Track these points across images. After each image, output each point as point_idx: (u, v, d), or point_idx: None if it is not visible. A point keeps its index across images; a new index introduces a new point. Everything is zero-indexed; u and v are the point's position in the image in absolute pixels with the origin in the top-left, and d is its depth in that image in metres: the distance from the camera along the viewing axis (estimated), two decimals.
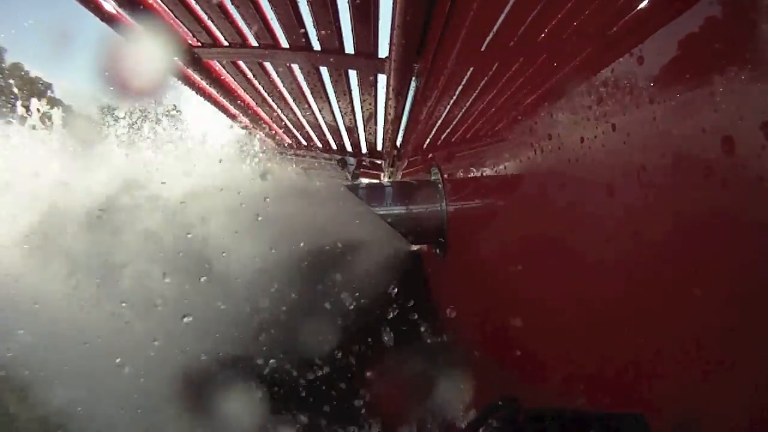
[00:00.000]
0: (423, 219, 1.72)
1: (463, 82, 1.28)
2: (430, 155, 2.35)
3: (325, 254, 1.90)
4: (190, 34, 2.05)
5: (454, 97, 1.43)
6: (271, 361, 1.81)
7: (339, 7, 1.59)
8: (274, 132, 3.82)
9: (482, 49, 0.99)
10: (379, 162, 4.04)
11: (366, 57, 1.90)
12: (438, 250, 1.79)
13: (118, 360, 1.65)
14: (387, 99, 1.97)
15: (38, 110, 2.12)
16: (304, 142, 4.07)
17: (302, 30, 1.80)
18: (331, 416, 1.73)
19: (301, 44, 1.93)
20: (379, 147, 3.67)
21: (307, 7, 1.59)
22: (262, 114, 3.33)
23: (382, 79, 2.11)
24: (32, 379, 1.66)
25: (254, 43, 2.03)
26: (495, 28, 0.86)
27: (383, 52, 1.84)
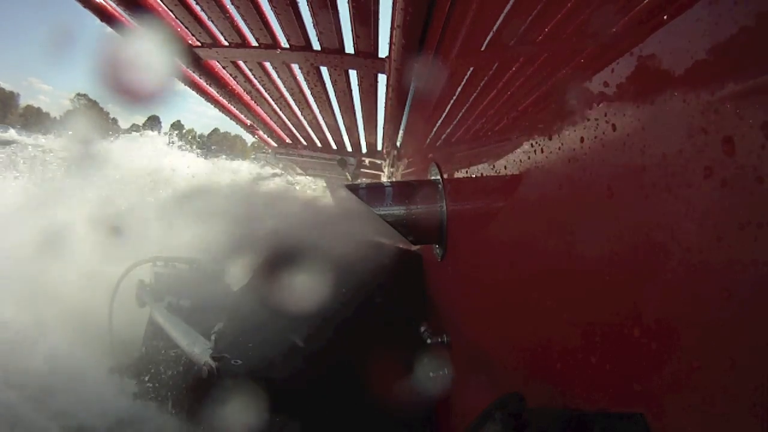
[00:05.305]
0: (422, 219, 1.72)
1: (463, 82, 1.28)
2: (430, 155, 2.35)
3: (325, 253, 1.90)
4: (190, 34, 2.05)
5: (454, 97, 1.43)
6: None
7: (339, 7, 1.59)
8: (274, 132, 3.83)
9: (482, 49, 0.99)
10: (379, 162, 4.05)
11: (366, 57, 1.91)
12: (438, 250, 1.79)
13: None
14: (387, 99, 1.97)
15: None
16: (304, 142, 4.07)
17: (302, 30, 1.80)
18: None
19: (301, 44, 1.93)
20: (379, 147, 3.67)
21: (307, 7, 1.59)
22: (262, 114, 3.34)
23: (382, 79, 2.11)
24: None
25: (254, 43, 2.04)
26: (495, 28, 0.86)
27: (383, 52, 1.85)
